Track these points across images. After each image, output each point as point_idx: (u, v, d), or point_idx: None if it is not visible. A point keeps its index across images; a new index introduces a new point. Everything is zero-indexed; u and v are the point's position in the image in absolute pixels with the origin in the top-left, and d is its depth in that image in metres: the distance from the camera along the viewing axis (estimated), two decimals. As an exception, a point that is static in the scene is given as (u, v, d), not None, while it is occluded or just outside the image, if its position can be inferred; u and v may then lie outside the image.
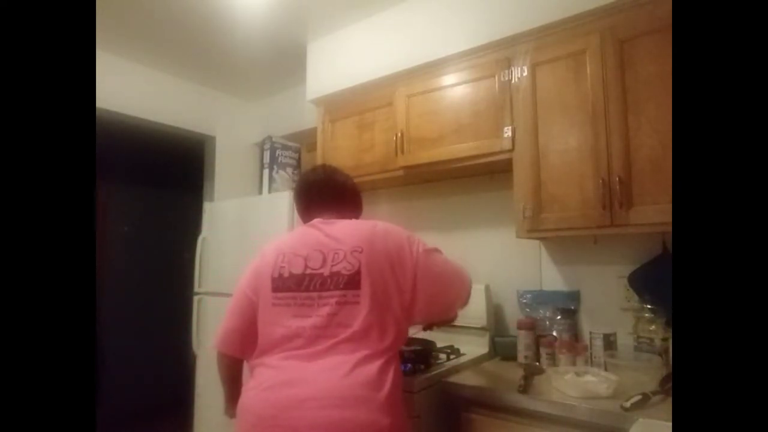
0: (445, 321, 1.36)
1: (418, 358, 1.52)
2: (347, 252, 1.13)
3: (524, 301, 1.85)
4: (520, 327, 1.68)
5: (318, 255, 1.15)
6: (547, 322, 1.74)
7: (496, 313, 1.92)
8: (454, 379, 1.46)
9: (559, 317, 1.72)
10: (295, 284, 1.13)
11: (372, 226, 1.20)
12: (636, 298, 1.62)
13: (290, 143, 2.68)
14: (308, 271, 1.13)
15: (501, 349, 1.77)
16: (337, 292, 1.09)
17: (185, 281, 2.84)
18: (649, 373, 1.34)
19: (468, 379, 1.47)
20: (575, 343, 1.62)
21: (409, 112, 1.97)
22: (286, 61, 2.62)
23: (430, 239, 1.26)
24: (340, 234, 1.17)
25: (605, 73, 1.51)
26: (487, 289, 1.87)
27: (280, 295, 1.15)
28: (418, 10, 2.02)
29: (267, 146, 2.60)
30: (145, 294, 3.96)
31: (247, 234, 2.36)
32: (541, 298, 1.82)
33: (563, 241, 1.83)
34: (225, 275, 2.41)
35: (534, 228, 1.62)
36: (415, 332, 1.42)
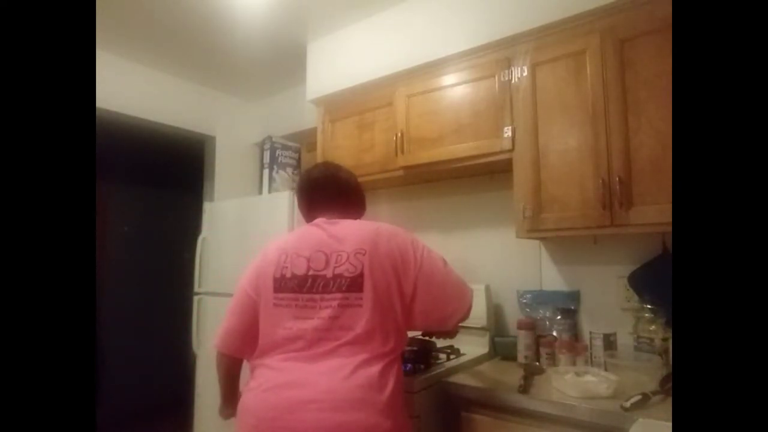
0: (443, 334, 1.35)
1: (418, 358, 1.52)
2: (350, 254, 1.12)
3: (524, 301, 1.85)
4: (520, 327, 1.68)
5: (321, 256, 1.14)
6: (547, 322, 1.75)
7: (496, 313, 1.92)
8: (454, 379, 1.46)
9: (559, 317, 1.72)
10: (297, 285, 1.12)
11: (376, 227, 1.19)
12: (636, 298, 1.62)
13: (290, 143, 2.68)
14: (311, 273, 1.12)
15: (501, 349, 1.77)
16: (339, 295, 1.08)
17: (185, 281, 2.84)
18: (649, 373, 1.34)
19: (468, 379, 1.47)
20: (575, 343, 1.62)
21: (409, 112, 1.97)
22: (286, 61, 2.62)
23: (430, 239, 1.26)
24: (343, 235, 1.16)
25: (605, 73, 1.51)
26: (487, 289, 1.87)
27: (281, 295, 1.14)
28: (418, 10, 2.02)
29: (267, 146, 2.60)
30: (145, 294, 3.96)
31: (247, 234, 2.36)
32: (541, 298, 1.82)
33: (563, 241, 1.83)
34: (225, 275, 2.41)
35: (534, 228, 1.62)
36: (414, 335, 1.43)
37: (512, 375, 1.48)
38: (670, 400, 1.21)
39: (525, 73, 1.67)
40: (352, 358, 1.04)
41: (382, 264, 1.11)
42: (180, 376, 3.22)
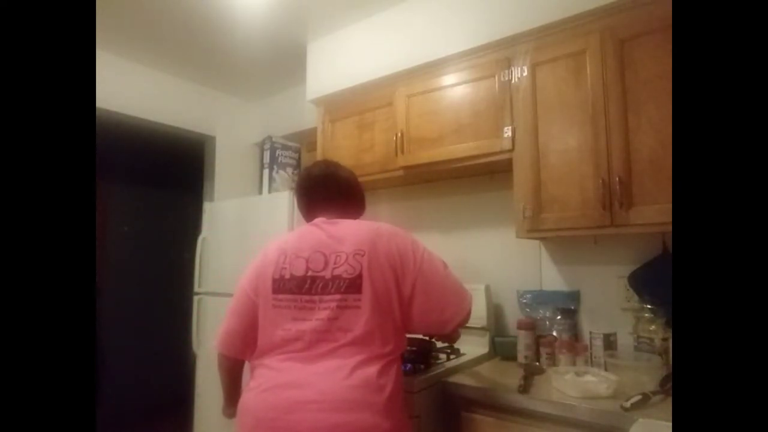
0: (444, 337, 1.34)
1: (418, 358, 1.52)
2: (349, 254, 1.11)
3: (524, 301, 1.85)
4: (520, 327, 1.68)
5: (320, 257, 1.13)
6: (547, 322, 1.74)
7: (496, 313, 1.92)
8: (454, 379, 1.46)
9: (559, 317, 1.72)
10: (296, 286, 1.12)
11: (376, 227, 1.18)
12: (636, 298, 1.62)
13: (290, 143, 2.68)
14: (309, 274, 1.12)
15: (501, 349, 1.77)
16: (338, 296, 1.08)
17: (185, 281, 2.84)
18: (649, 373, 1.34)
19: (468, 379, 1.47)
20: (575, 343, 1.62)
21: (409, 112, 1.97)
22: (286, 61, 2.62)
23: (430, 239, 1.26)
24: (342, 235, 1.15)
25: (605, 73, 1.51)
26: (487, 289, 1.87)
27: (280, 296, 1.13)
28: (418, 10, 2.02)
29: (267, 146, 2.60)
30: (145, 294, 3.96)
31: (247, 234, 2.36)
32: (541, 298, 1.82)
33: (563, 241, 1.83)
34: (225, 275, 2.41)
35: (534, 228, 1.62)
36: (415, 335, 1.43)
37: (512, 375, 1.48)
38: (670, 400, 1.21)
39: (525, 73, 1.67)
40: (351, 359, 1.03)
41: (381, 265, 1.10)
42: (180, 376, 3.22)
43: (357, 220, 1.27)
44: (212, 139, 3.05)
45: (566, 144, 1.57)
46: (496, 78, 1.74)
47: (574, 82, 1.57)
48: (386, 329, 1.08)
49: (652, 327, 1.51)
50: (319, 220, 1.23)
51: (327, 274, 1.11)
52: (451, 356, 1.65)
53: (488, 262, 2.01)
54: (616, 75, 1.48)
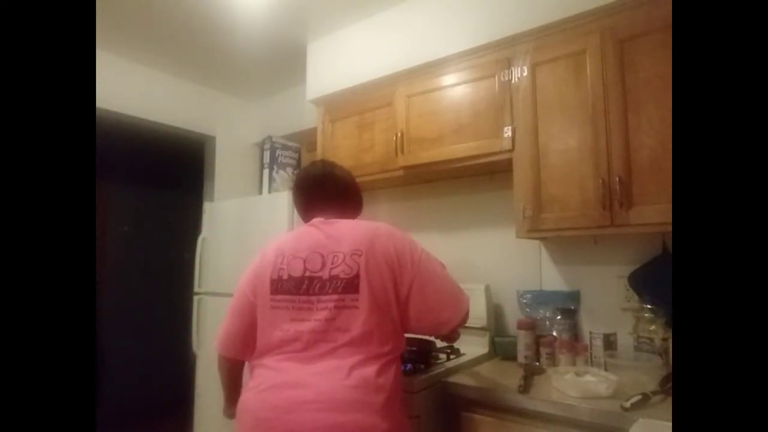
0: (444, 338, 1.32)
1: (418, 358, 1.52)
2: (346, 254, 1.11)
3: (524, 301, 1.85)
4: (520, 327, 1.68)
5: (317, 257, 1.13)
6: (547, 322, 1.74)
7: (496, 313, 1.92)
8: (454, 379, 1.46)
9: (559, 317, 1.72)
10: (294, 287, 1.12)
11: (373, 227, 1.18)
12: (636, 298, 1.62)
13: (290, 143, 2.68)
14: (307, 274, 1.12)
15: (501, 349, 1.77)
16: (336, 296, 1.08)
17: (185, 281, 2.84)
18: (649, 373, 1.34)
19: (468, 379, 1.47)
20: (575, 343, 1.62)
21: (409, 112, 1.97)
22: (286, 61, 2.62)
23: (430, 239, 1.26)
24: (340, 235, 1.15)
25: (605, 73, 1.51)
26: (487, 289, 1.87)
27: (278, 297, 1.13)
28: (418, 10, 2.02)
29: (267, 146, 2.60)
30: (145, 294, 3.96)
31: (247, 234, 2.36)
32: (541, 298, 1.82)
33: (563, 241, 1.83)
34: (225, 275, 2.41)
35: (534, 228, 1.62)
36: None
37: (512, 375, 1.48)
38: (670, 400, 1.21)
39: (525, 73, 1.67)
40: (349, 359, 1.03)
41: (379, 265, 1.10)
42: (180, 376, 3.22)
43: (355, 220, 1.27)
44: (212, 139, 3.05)
45: (566, 144, 1.57)
46: (496, 78, 1.74)
47: (574, 82, 1.57)
48: (384, 329, 1.08)
49: (652, 327, 1.51)
50: (316, 220, 1.23)
51: (324, 274, 1.11)
52: (451, 356, 1.65)
53: (488, 262, 2.01)
54: (616, 75, 1.48)
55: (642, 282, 1.62)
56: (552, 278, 1.86)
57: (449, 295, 1.16)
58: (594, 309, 1.75)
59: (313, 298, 1.10)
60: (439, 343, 1.63)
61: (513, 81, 1.70)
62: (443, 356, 1.64)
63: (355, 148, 2.16)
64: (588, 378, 1.32)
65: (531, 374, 1.45)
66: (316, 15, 2.19)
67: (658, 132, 1.40)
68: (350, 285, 1.08)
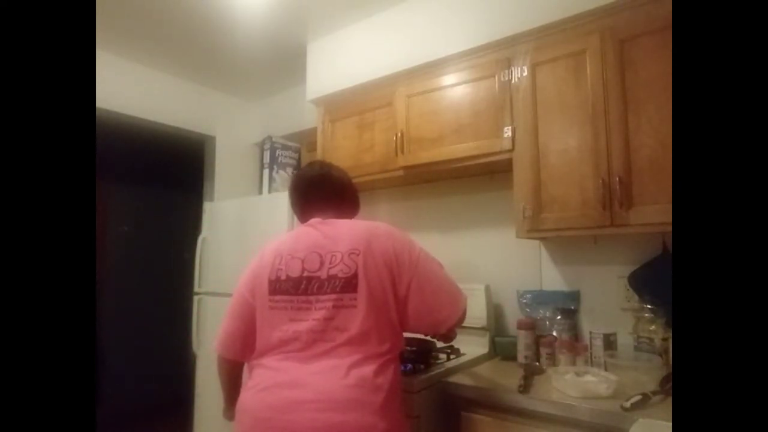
0: (441, 337, 1.33)
1: (417, 358, 1.52)
2: (344, 254, 1.11)
3: (524, 301, 1.85)
4: (520, 327, 1.68)
5: (315, 257, 1.13)
6: (547, 322, 1.74)
7: (496, 313, 1.92)
8: (454, 379, 1.46)
9: (559, 317, 1.72)
10: (292, 287, 1.12)
11: (371, 226, 1.18)
12: (636, 298, 1.62)
13: (290, 143, 2.68)
14: (305, 274, 1.12)
15: (501, 349, 1.77)
16: (334, 296, 1.08)
17: (185, 281, 2.84)
18: (649, 373, 1.34)
19: (468, 379, 1.47)
20: (575, 343, 1.62)
21: (409, 112, 1.97)
22: (286, 61, 2.62)
23: (429, 239, 1.26)
24: (337, 235, 1.16)
25: (605, 73, 1.51)
26: (487, 289, 1.87)
27: (277, 298, 1.13)
28: (418, 10, 2.02)
29: (267, 146, 2.60)
30: (145, 294, 3.96)
31: (247, 234, 2.36)
32: (541, 298, 1.82)
33: (563, 241, 1.83)
34: (225, 275, 2.41)
35: (534, 228, 1.62)
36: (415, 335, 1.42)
37: (512, 375, 1.48)
38: (670, 400, 1.21)
39: (525, 73, 1.67)
40: (348, 358, 1.03)
41: (377, 264, 1.10)
42: (180, 376, 3.22)
43: (353, 220, 1.27)
44: (212, 139, 3.05)
45: (566, 144, 1.57)
46: (496, 78, 1.74)
47: (574, 82, 1.57)
48: (383, 328, 1.08)
49: (652, 327, 1.51)
50: (314, 220, 1.23)
51: (323, 274, 1.11)
52: (451, 356, 1.65)
53: (488, 262, 2.01)
54: (616, 75, 1.48)
55: (642, 282, 1.62)
56: (552, 278, 1.86)
57: (447, 294, 1.16)
58: (594, 309, 1.75)
59: (312, 297, 1.10)
60: (440, 343, 1.63)
61: (513, 81, 1.70)
62: (443, 356, 1.64)
63: (355, 148, 2.16)
64: (588, 378, 1.32)
65: (531, 374, 1.45)
66: (316, 15, 2.19)
67: (658, 132, 1.40)
68: (348, 284, 1.08)
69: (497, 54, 1.76)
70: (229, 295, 1.26)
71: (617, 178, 1.44)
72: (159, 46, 2.48)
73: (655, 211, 1.38)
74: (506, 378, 1.46)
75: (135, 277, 3.93)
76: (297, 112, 2.87)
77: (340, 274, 1.09)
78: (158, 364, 3.89)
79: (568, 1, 1.58)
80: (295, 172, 2.59)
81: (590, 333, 1.60)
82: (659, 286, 1.54)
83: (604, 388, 1.24)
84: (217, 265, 2.51)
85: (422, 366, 1.50)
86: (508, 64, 1.72)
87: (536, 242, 1.88)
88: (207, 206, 2.68)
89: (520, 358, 1.66)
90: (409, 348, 1.51)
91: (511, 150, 1.68)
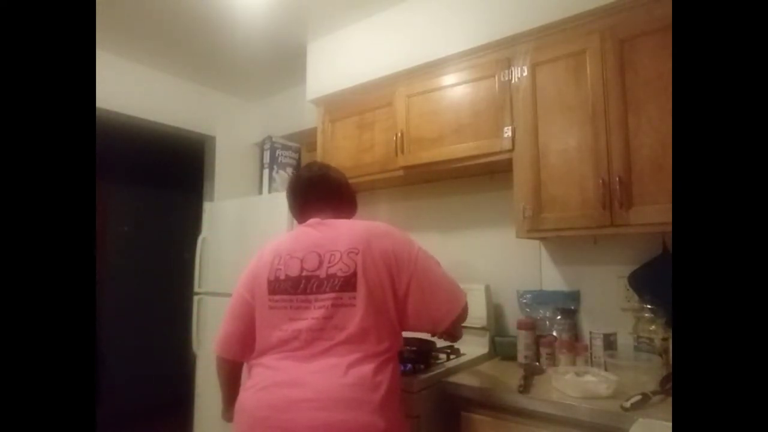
0: (446, 336, 1.32)
1: (417, 358, 1.52)
2: (343, 253, 1.11)
3: (524, 301, 1.85)
4: (520, 327, 1.68)
5: (314, 256, 1.14)
6: (547, 322, 1.74)
7: (496, 313, 1.92)
8: (454, 379, 1.46)
9: (559, 317, 1.72)
10: (291, 287, 1.12)
11: (370, 226, 1.18)
12: (636, 298, 1.62)
13: (290, 143, 2.69)
14: (304, 273, 1.12)
15: (501, 349, 1.77)
16: (333, 294, 1.08)
17: (185, 281, 2.84)
18: (649, 373, 1.34)
19: (468, 379, 1.47)
20: (575, 343, 1.62)
21: (409, 112, 1.97)
22: (286, 61, 2.62)
23: (430, 239, 1.26)
24: (336, 234, 1.16)
25: (605, 73, 1.51)
26: (487, 289, 1.87)
27: (276, 297, 1.14)
28: (418, 10, 2.02)
29: (267, 146, 2.60)
30: (145, 294, 3.96)
31: (247, 234, 2.36)
32: (541, 298, 1.82)
33: (563, 241, 1.83)
34: (225, 275, 2.41)
35: (534, 228, 1.62)
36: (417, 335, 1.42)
37: (512, 375, 1.48)
38: (670, 400, 1.21)
39: (525, 73, 1.67)
40: (346, 357, 1.04)
41: (376, 263, 1.10)
42: (180, 376, 3.22)
43: (352, 220, 1.27)
44: (212, 139, 3.05)
45: (566, 144, 1.57)
46: (496, 78, 1.74)
47: (574, 82, 1.57)
48: (381, 327, 1.08)
49: (652, 327, 1.51)
50: (313, 220, 1.23)
51: (322, 273, 1.11)
52: (451, 356, 1.65)
53: (488, 262, 2.01)
54: (616, 75, 1.48)
55: (642, 282, 1.61)
56: (552, 278, 1.86)
57: (446, 292, 1.17)
58: (594, 309, 1.75)
59: (311, 297, 1.10)
60: (440, 343, 1.63)
61: (513, 81, 1.70)
62: (443, 356, 1.63)
63: (355, 148, 2.16)
64: (588, 378, 1.32)
65: (531, 374, 1.45)
66: (316, 15, 2.19)
67: (658, 132, 1.40)
68: (347, 283, 1.08)
69: (497, 54, 1.76)
70: (229, 295, 1.26)
71: (617, 178, 1.44)
72: (159, 46, 2.48)
73: (655, 211, 1.38)
74: (506, 378, 1.46)
75: (135, 277, 3.93)
76: (297, 112, 2.87)
77: (339, 273, 1.09)
78: (158, 364, 3.89)
79: (568, 1, 1.58)
80: (294, 172, 2.60)
81: (590, 333, 1.60)
82: (659, 286, 1.54)
83: (604, 388, 1.24)
84: (217, 265, 2.51)
85: (422, 366, 1.50)
86: (508, 64, 1.72)
87: (536, 242, 1.88)
88: (207, 206, 2.68)
89: (520, 358, 1.66)
90: (409, 348, 1.51)
91: (511, 150, 1.68)
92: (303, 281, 1.12)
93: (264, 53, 2.55)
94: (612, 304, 1.71)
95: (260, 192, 2.63)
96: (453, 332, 1.28)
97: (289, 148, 2.66)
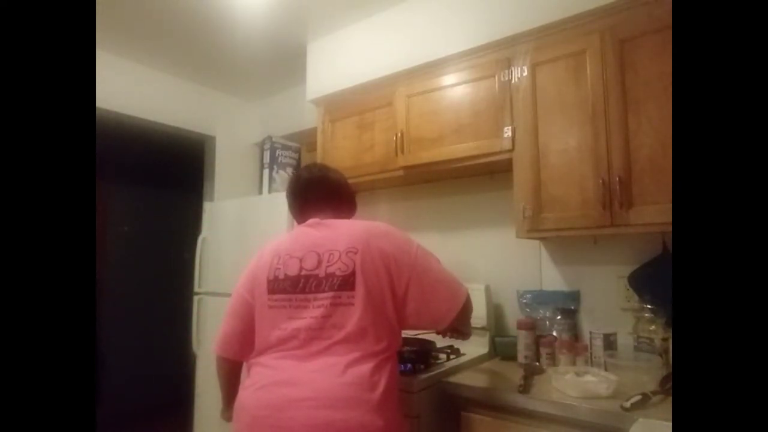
0: (455, 334, 1.31)
1: (417, 358, 1.52)
2: (342, 252, 1.12)
3: (524, 301, 1.85)
4: (520, 327, 1.68)
5: (313, 256, 1.14)
6: (547, 322, 1.74)
7: (496, 313, 1.92)
8: (454, 379, 1.46)
9: (559, 317, 1.72)
10: (290, 286, 1.13)
11: (369, 226, 1.19)
12: (636, 298, 1.62)
13: (290, 143, 2.69)
14: (303, 273, 1.13)
15: (501, 349, 1.77)
16: (332, 294, 1.08)
17: (185, 281, 2.84)
18: (649, 373, 1.34)
19: (468, 379, 1.47)
20: (575, 343, 1.62)
21: (409, 112, 1.97)
22: (286, 61, 2.62)
23: (430, 239, 1.26)
24: (335, 234, 1.16)
25: (605, 73, 1.51)
26: (487, 289, 1.87)
27: (275, 297, 1.14)
28: (418, 10, 2.02)
29: (267, 146, 2.60)
30: (145, 294, 3.97)
31: (247, 234, 2.36)
32: (541, 298, 1.82)
33: (563, 241, 1.83)
34: (225, 275, 2.42)
35: (534, 228, 1.62)
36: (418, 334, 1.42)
37: (512, 375, 1.48)
38: (670, 400, 1.21)
39: (525, 73, 1.67)
40: (345, 356, 1.04)
41: (375, 262, 1.10)
42: (180, 376, 3.22)
43: (351, 220, 1.28)
44: (212, 139, 3.05)
45: (566, 144, 1.57)
46: (496, 78, 1.74)
47: (574, 82, 1.57)
48: (380, 326, 1.08)
49: (652, 327, 1.51)
50: (312, 220, 1.24)
51: (321, 272, 1.11)
52: (451, 356, 1.64)
53: (488, 262, 2.01)
54: (616, 75, 1.48)
55: (642, 282, 1.61)
56: (552, 278, 1.86)
57: (446, 288, 1.17)
58: (594, 309, 1.75)
59: (310, 296, 1.10)
60: (440, 343, 1.63)
61: (513, 81, 1.70)
62: (443, 356, 1.63)
63: (355, 148, 2.16)
64: (588, 378, 1.32)
65: (531, 374, 1.45)
66: (316, 15, 2.19)
67: (658, 132, 1.40)
68: (346, 282, 1.08)
69: (497, 54, 1.76)
70: (229, 295, 1.27)
71: (617, 178, 1.44)
72: (159, 46, 2.48)
73: (655, 211, 1.38)
74: (506, 378, 1.46)
75: (135, 277, 3.93)
76: (297, 112, 2.87)
77: (338, 272, 1.10)
78: (158, 364, 3.89)
79: (568, 1, 1.58)
80: (293, 173, 2.60)
81: (590, 333, 1.60)
82: (659, 286, 1.54)
83: (604, 388, 1.24)
84: (217, 265, 2.51)
85: (422, 366, 1.50)
86: (508, 64, 1.72)
87: (536, 242, 1.88)
88: (207, 206, 2.68)
89: (520, 358, 1.66)
90: (409, 348, 1.51)
91: (511, 150, 1.68)
92: (302, 280, 1.12)
93: (264, 53, 2.55)
94: (612, 304, 1.71)
95: (260, 192, 2.63)
96: (460, 329, 1.27)
97: (289, 148, 2.66)
